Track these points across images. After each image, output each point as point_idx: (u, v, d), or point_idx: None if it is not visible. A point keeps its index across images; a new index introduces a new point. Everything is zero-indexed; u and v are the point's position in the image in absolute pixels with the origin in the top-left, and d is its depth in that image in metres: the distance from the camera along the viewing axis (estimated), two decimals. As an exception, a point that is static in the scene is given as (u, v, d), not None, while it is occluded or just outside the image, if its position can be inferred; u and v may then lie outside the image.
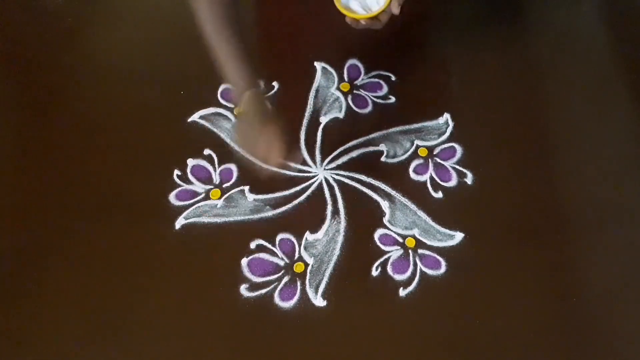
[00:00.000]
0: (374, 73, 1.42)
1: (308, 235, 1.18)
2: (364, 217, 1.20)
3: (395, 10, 1.07)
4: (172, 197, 1.22)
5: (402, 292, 1.12)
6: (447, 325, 1.09)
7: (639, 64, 1.46)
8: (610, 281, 1.15)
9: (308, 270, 1.14)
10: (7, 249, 1.17)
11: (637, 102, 1.40)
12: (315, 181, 1.25)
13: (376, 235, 1.18)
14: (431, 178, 1.26)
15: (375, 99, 1.38)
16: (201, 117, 1.34)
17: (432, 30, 1.53)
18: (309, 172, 1.27)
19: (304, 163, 1.28)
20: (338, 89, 1.39)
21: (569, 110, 1.38)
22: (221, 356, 1.06)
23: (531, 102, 1.39)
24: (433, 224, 1.20)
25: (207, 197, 1.23)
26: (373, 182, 1.25)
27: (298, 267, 1.14)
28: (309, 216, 1.20)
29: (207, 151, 1.29)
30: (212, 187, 1.24)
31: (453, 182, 1.25)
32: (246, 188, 1.24)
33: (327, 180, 1.25)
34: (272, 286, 1.12)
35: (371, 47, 1.47)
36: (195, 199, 1.22)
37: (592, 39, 1.52)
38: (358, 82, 1.41)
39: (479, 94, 1.40)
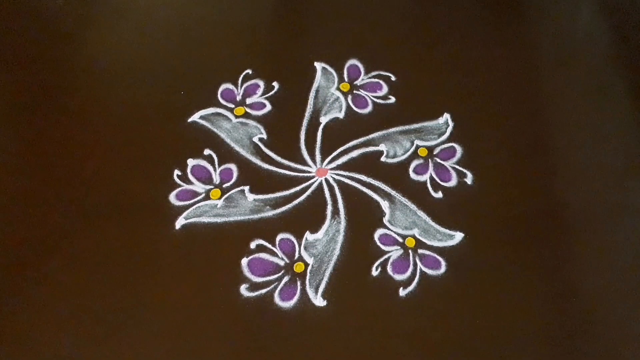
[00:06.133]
0: (374, 73, 1.42)
1: (308, 235, 1.18)
2: (364, 217, 1.20)
3: None
4: (172, 197, 1.22)
5: (402, 292, 1.12)
6: (447, 325, 1.09)
7: (639, 63, 1.46)
8: (610, 280, 1.15)
9: (308, 270, 1.14)
10: (7, 249, 1.17)
11: (637, 102, 1.40)
12: (315, 181, 1.25)
13: (376, 235, 1.18)
14: (431, 178, 1.26)
15: (375, 99, 1.38)
16: (201, 117, 1.34)
17: (432, 31, 1.53)
18: (309, 172, 1.27)
19: (304, 163, 1.28)
20: (338, 89, 1.39)
21: (569, 111, 1.38)
22: (221, 356, 1.06)
23: (531, 103, 1.39)
24: (433, 224, 1.20)
25: (207, 197, 1.23)
26: (373, 182, 1.25)
27: (298, 267, 1.14)
28: (309, 216, 1.20)
29: (207, 151, 1.29)
30: (212, 187, 1.24)
31: (453, 182, 1.25)
32: (246, 188, 1.24)
33: (327, 180, 1.25)
34: (272, 286, 1.12)
35: (371, 47, 1.47)
36: (196, 199, 1.22)
37: (591, 39, 1.52)
38: (358, 82, 1.41)
39: (479, 94, 1.40)
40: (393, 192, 1.24)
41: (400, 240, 1.18)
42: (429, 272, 1.14)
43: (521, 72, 1.44)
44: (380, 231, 1.19)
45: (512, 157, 1.30)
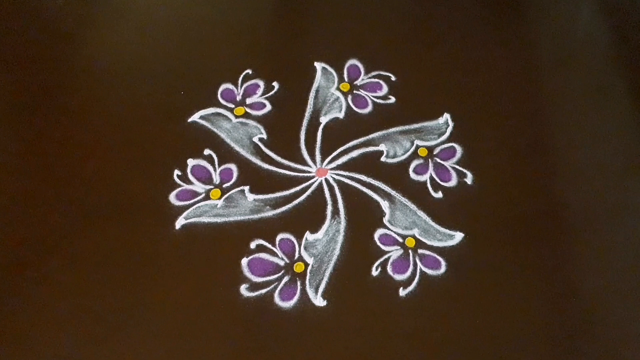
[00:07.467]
0: (374, 73, 1.42)
1: (308, 235, 1.18)
2: (364, 217, 1.20)
3: None
4: (172, 197, 1.22)
5: (402, 292, 1.12)
6: (447, 325, 1.09)
7: (639, 63, 1.46)
8: (610, 280, 1.15)
9: (308, 270, 1.14)
10: (7, 249, 1.17)
11: (637, 102, 1.40)
12: (315, 181, 1.25)
13: (376, 235, 1.18)
14: (431, 178, 1.26)
15: (375, 99, 1.38)
16: (201, 117, 1.34)
17: (432, 31, 1.53)
18: (309, 172, 1.27)
19: (304, 163, 1.28)
20: (338, 89, 1.39)
21: (569, 111, 1.38)
22: (221, 356, 1.06)
23: (531, 103, 1.39)
24: (433, 224, 1.20)
25: (207, 197, 1.23)
26: (373, 182, 1.25)
27: (298, 267, 1.14)
28: (309, 216, 1.20)
29: (207, 151, 1.29)
30: (212, 187, 1.24)
31: (453, 182, 1.25)
32: (246, 188, 1.24)
33: (327, 181, 1.25)
34: (272, 286, 1.12)
35: (371, 47, 1.47)
36: (196, 199, 1.22)
37: (591, 39, 1.52)
38: (358, 82, 1.41)
39: (479, 94, 1.40)
40: (393, 192, 1.24)
41: (400, 240, 1.18)
42: (429, 272, 1.14)
43: (521, 72, 1.44)
44: (380, 231, 1.19)
45: (512, 157, 1.30)
